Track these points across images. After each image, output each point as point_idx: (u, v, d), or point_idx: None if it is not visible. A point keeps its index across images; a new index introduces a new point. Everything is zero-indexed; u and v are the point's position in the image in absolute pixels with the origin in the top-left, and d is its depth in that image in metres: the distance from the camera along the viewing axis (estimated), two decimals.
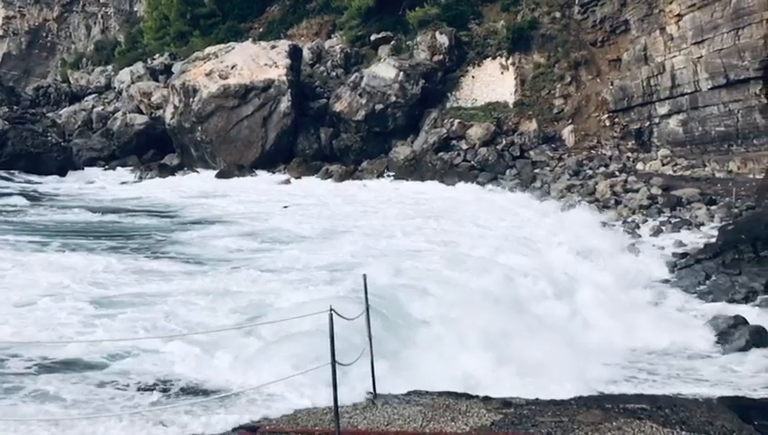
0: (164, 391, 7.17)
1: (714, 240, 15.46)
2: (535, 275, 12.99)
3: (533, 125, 28.05)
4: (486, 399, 7.04)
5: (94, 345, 8.06)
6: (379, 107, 28.68)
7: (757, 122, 22.50)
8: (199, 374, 7.56)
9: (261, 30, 37.98)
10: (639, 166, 24.69)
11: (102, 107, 35.00)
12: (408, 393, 7.19)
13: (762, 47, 21.96)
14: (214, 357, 8.01)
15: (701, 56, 23.80)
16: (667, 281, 14.14)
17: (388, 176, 26.88)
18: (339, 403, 5.88)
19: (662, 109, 25.62)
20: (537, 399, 7.12)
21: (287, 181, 26.74)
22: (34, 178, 26.23)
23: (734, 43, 22.70)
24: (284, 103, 28.77)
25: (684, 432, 6.12)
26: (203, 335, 8.32)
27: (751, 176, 21.33)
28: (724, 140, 23.48)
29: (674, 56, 25.04)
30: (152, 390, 7.15)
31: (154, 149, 30.83)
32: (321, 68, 33.56)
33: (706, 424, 6.33)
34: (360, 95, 29.02)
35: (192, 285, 11.13)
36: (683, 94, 24.65)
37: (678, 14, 24.84)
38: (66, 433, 5.96)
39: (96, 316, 9.24)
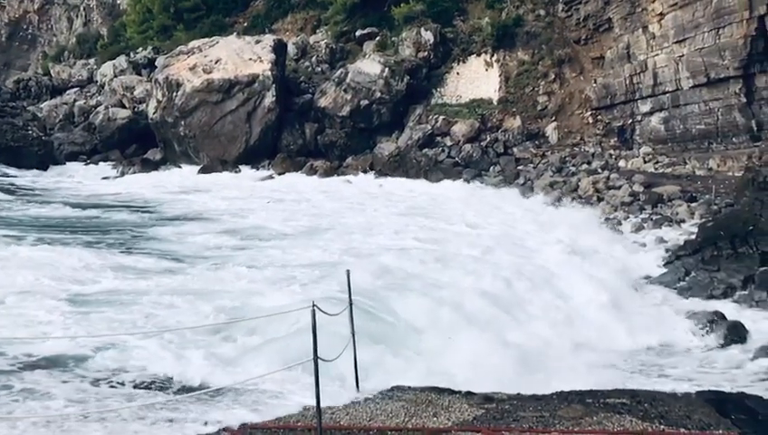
0: (161, 389, 7.17)
1: (693, 237, 15.65)
2: (530, 274, 13.00)
3: (517, 122, 28.18)
4: (468, 394, 7.09)
5: (76, 342, 7.98)
6: (363, 103, 28.64)
7: (737, 121, 22.80)
8: (189, 372, 7.54)
9: (245, 24, 37.70)
10: (622, 163, 24.90)
11: (84, 101, 34.59)
12: (392, 389, 7.20)
13: (742, 46, 22.24)
14: (201, 356, 7.96)
15: (682, 55, 24.05)
16: (648, 277, 14.30)
17: (373, 172, 26.86)
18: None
19: (644, 107, 25.86)
20: (519, 394, 7.18)
21: (270, 177, 26.63)
22: (12, 171, 25.87)
23: (715, 42, 22.97)
24: (269, 98, 28.61)
25: (662, 426, 6.20)
26: (187, 334, 8.28)
27: (730, 174, 21.60)
28: (705, 138, 23.77)
29: (656, 55, 25.28)
30: (148, 388, 7.14)
31: (137, 143, 30.53)
32: (306, 63, 33.41)
33: (684, 418, 6.42)
34: (345, 91, 28.96)
35: (171, 282, 11.02)
36: (665, 92, 24.90)
37: (661, 13, 25.07)
38: (61, 432, 5.91)
39: (72, 313, 9.14)
